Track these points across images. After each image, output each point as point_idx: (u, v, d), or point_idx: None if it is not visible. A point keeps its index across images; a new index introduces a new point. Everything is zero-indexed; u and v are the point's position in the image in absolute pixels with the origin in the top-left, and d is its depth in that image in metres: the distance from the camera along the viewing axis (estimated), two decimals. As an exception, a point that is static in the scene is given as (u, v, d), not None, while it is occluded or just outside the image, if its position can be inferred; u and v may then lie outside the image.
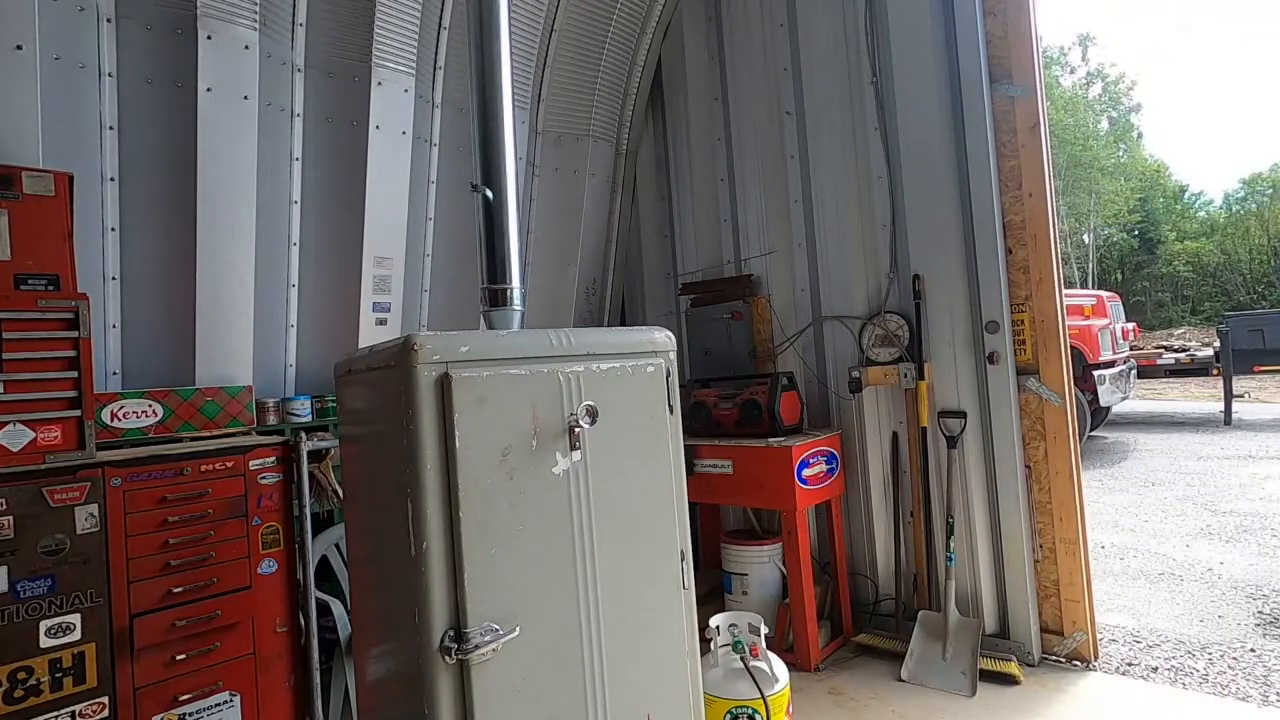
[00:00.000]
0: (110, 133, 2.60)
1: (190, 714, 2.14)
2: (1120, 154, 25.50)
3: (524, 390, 1.54)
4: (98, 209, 2.59)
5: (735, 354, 4.02)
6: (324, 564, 2.80)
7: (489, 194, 1.99)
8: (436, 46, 3.47)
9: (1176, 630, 3.50)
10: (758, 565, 3.50)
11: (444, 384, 1.43)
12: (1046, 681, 2.97)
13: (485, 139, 2.02)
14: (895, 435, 3.53)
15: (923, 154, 3.39)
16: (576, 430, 1.59)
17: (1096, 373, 7.83)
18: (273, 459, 2.38)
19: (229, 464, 2.29)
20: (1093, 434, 8.83)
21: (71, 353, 2.02)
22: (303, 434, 2.56)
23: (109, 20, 2.56)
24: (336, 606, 2.63)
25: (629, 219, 4.74)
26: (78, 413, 2.02)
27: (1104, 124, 25.87)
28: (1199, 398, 12.33)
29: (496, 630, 1.43)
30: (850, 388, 3.49)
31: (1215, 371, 10.06)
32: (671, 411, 1.81)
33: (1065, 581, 3.11)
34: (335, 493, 2.64)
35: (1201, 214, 28.19)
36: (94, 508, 2.01)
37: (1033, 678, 3.00)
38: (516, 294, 2.01)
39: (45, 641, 1.90)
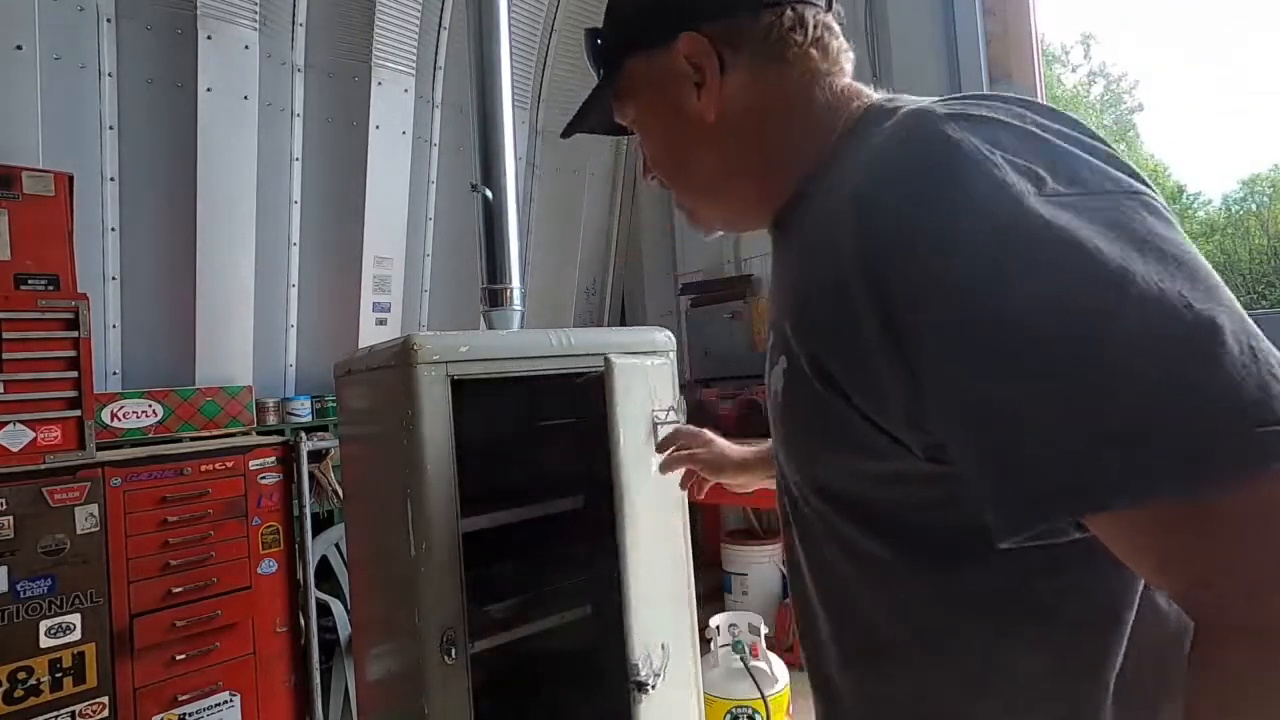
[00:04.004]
0: (110, 133, 2.59)
1: (190, 714, 2.14)
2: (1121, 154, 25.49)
3: (524, 390, 1.54)
4: (98, 209, 2.59)
5: (735, 354, 4.01)
6: (324, 564, 2.80)
7: (489, 194, 1.98)
8: (436, 46, 3.47)
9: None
10: (758, 565, 3.50)
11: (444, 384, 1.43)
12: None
13: (485, 139, 2.02)
14: (895, 435, 3.52)
15: (923, 154, 3.38)
16: (576, 430, 1.59)
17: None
18: (273, 459, 2.38)
19: (229, 464, 2.29)
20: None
21: (71, 353, 2.02)
22: (303, 434, 2.56)
23: (109, 20, 2.56)
24: (336, 606, 2.63)
25: (629, 218, 4.73)
26: (78, 413, 2.02)
27: (1106, 123, 25.88)
28: (1199, 398, 12.31)
29: (496, 630, 1.43)
30: (850, 388, 3.48)
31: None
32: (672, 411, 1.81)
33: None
34: (335, 493, 2.64)
35: (1201, 214, 28.22)
36: (94, 508, 2.01)
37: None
38: (516, 294, 2.01)
39: (45, 641, 1.90)
